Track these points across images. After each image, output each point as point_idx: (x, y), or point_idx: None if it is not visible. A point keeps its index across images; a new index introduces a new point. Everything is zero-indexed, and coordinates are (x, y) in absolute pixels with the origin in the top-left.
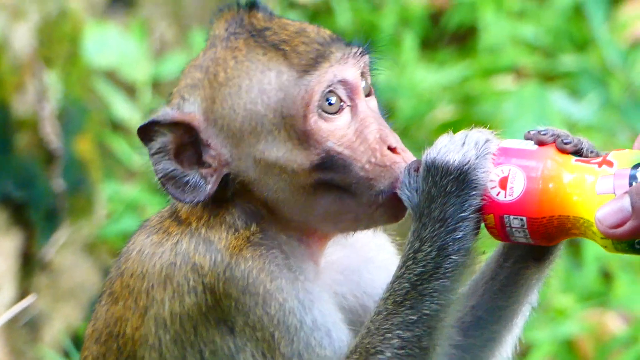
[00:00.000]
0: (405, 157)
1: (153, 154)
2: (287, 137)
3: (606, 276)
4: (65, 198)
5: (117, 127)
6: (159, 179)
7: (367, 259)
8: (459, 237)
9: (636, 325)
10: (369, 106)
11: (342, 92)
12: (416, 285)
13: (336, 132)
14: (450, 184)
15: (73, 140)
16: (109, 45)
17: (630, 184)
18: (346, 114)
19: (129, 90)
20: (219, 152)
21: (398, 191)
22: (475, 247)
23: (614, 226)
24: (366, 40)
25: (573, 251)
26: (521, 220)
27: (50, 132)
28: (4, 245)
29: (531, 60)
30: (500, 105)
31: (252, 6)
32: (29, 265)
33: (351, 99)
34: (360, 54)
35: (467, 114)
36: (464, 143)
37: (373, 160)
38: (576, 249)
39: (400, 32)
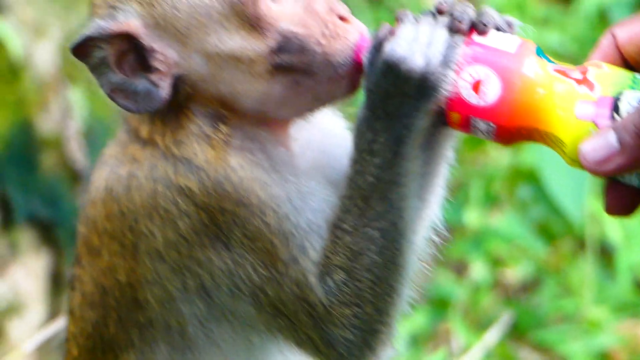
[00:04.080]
0: (355, 24)
1: (93, 70)
2: (238, 25)
3: None
4: None
5: None
6: (107, 94)
7: (328, 132)
8: (414, 130)
9: None
10: None
11: None
12: (379, 177)
13: (286, 11)
14: (410, 89)
15: (98, 157)
16: None
17: (612, 116)
18: None
19: None
20: (166, 54)
21: (363, 59)
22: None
23: (599, 162)
24: None
25: (605, 262)
26: (489, 125)
27: (76, 151)
28: (33, 265)
29: None
30: None
31: None
32: (59, 285)
33: None
34: None
35: None
36: (429, 43)
37: (327, 32)
38: (608, 260)
39: None
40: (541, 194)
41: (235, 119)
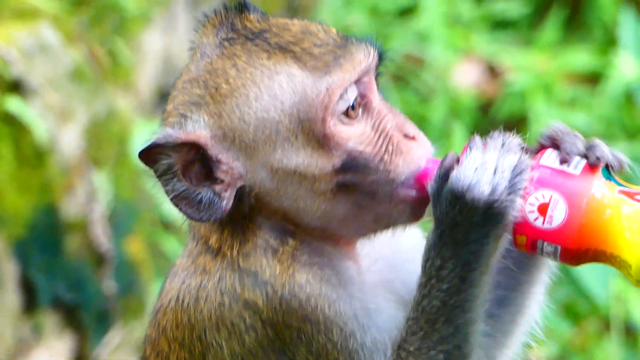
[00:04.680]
0: (423, 143)
1: (160, 176)
2: (305, 142)
3: None
4: (116, 300)
5: (167, 226)
6: (171, 200)
7: (399, 247)
8: (482, 256)
9: None
10: (381, 99)
11: (359, 91)
12: (446, 302)
13: (356, 131)
14: (477, 217)
15: (123, 241)
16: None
17: None
18: (362, 111)
19: None
20: (231, 165)
21: (427, 188)
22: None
23: None
24: (375, 35)
25: (631, 342)
26: (555, 247)
27: (101, 234)
28: (57, 347)
29: None
30: None
31: (242, 8)
32: None
33: (364, 95)
34: (375, 52)
35: None
36: (495, 170)
37: (391, 148)
38: (634, 339)
39: (450, 123)
40: (566, 275)
41: (301, 233)
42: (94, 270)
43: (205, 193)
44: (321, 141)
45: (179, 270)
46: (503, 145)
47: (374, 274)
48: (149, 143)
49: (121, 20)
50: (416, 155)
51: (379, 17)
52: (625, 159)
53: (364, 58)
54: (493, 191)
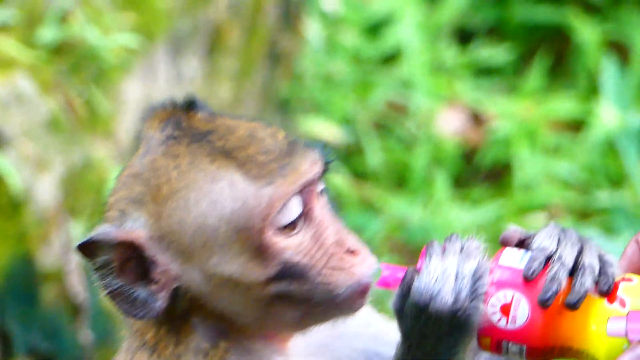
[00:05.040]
0: (364, 257)
1: (97, 270)
2: (241, 250)
3: None
4: (92, 350)
5: None
6: (107, 295)
7: (335, 334)
8: None
9: None
10: (323, 207)
11: (300, 200)
12: None
13: (293, 241)
14: (443, 327)
15: (100, 291)
16: None
17: None
18: (302, 220)
19: None
20: (168, 267)
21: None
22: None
23: None
24: (322, 143)
25: None
26: (520, 347)
27: (77, 284)
28: None
29: (566, 197)
30: None
31: (190, 106)
32: None
33: (307, 203)
34: (323, 161)
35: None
36: (456, 276)
37: (331, 264)
38: None
39: (433, 170)
40: None
41: (234, 332)
42: (70, 320)
43: (140, 291)
44: (257, 251)
45: None
46: (462, 249)
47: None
48: (86, 238)
49: (100, 69)
50: (356, 272)
51: (362, 65)
52: (612, 270)
53: (308, 169)
54: (456, 300)
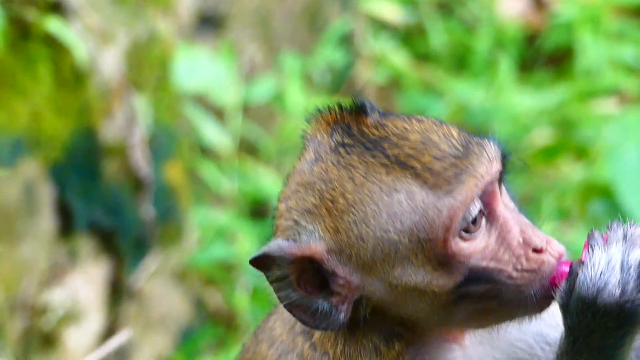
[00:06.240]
0: (552, 252)
1: (272, 282)
2: (425, 261)
3: None
4: (154, 225)
5: (206, 152)
6: (285, 307)
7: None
8: (620, 357)
9: None
10: (505, 205)
11: (482, 204)
12: None
13: (478, 247)
14: (611, 321)
15: (162, 166)
16: (198, 68)
17: None
18: (484, 222)
19: (219, 114)
20: (348, 280)
21: (557, 300)
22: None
23: None
24: (497, 134)
25: None
26: None
27: (140, 159)
28: (92, 273)
29: (632, 82)
30: (602, 130)
31: (359, 110)
32: (118, 293)
33: (488, 204)
34: (500, 161)
35: (566, 138)
36: (622, 267)
37: (519, 267)
38: None
39: (495, 53)
40: (615, 209)
41: (411, 334)
42: (132, 195)
43: (322, 303)
44: (442, 260)
45: (277, 338)
46: (625, 237)
47: (480, 356)
48: (260, 252)
49: None
50: (546, 270)
51: None
52: None
53: (486, 170)
54: (623, 292)
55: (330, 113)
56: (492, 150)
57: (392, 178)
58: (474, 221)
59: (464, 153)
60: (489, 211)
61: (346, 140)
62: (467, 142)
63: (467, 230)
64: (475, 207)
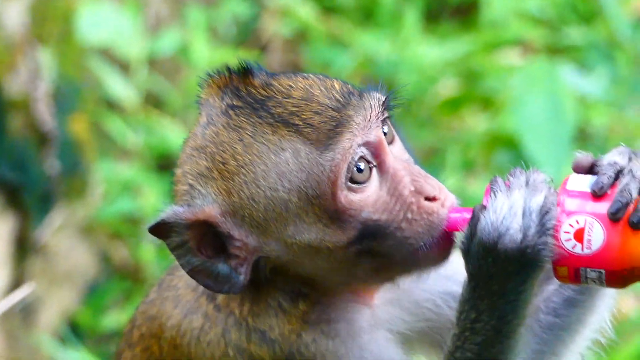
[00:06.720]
0: (444, 201)
1: (172, 249)
2: (316, 217)
3: None
4: (59, 180)
5: (111, 105)
6: (188, 273)
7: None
8: (520, 306)
9: None
10: (395, 155)
11: (367, 154)
12: (480, 354)
13: (369, 199)
14: (512, 266)
15: (67, 120)
16: (102, 22)
17: None
18: (375, 175)
19: (124, 67)
20: (245, 241)
21: (458, 245)
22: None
23: None
24: (378, 81)
25: None
26: (599, 272)
27: (44, 113)
28: None
29: (536, 33)
30: (507, 80)
31: (247, 71)
32: (24, 249)
33: (377, 155)
34: (380, 108)
35: (471, 89)
36: (523, 212)
37: (410, 215)
38: None
39: (401, 5)
40: (520, 160)
41: (316, 293)
42: (37, 149)
43: (222, 267)
44: (333, 216)
45: (181, 298)
46: (527, 183)
47: (388, 316)
48: (157, 220)
49: None
50: (437, 219)
51: None
52: None
53: (364, 121)
54: (524, 237)
55: (220, 77)
56: (372, 101)
57: (278, 137)
58: (360, 172)
59: (342, 105)
60: (378, 163)
61: (235, 103)
62: (347, 95)
63: (355, 182)
64: (361, 156)
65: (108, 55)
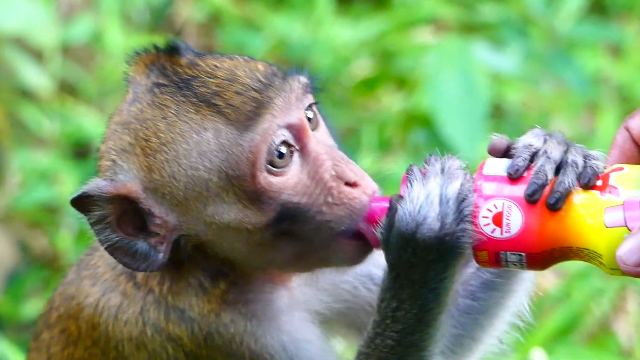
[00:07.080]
0: (365, 188)
1: (93, 224)
2: (236, 198)
3: None
4: None
5: (26, 94)
6: (106, 249)
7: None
8: (441, 294)
9: None
10: (318, 140)
11: (289, 137)
12: (400, 341)
13: (289, 182)
14: (431, 255)
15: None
16: (15, 10)
17: None
18: (296, 158)
19: (38, 55)
20: (165, 219)
21: (376, 234)
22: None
23: (639, 264)
24: (303, 66)
25: None
26: (519, 255)
27: None
28: None
29: (450, 11)
30: (421, 59)
31: (174, 50)
32: None
33: (299, 139)
34: (302, 90)
35: (386, 69)
36: (440, 200)
37: (330, 200)
38: None
39: None
40: (435, 138)
41: (235, 273)
42: None
43: (141, 244)
44: (252, 197)
45: (100, 276)
46: (443, 170)
47: (306, 297)
48: (78, 193)
49: None
50: (358, 205)
51: None
52: (596, 162)
53: (284, 103)
54: (442, 225)
55: (147, 54)
56: (295, 83)
57: (201, 116)
58: (281, 155)
59: (265, 86)
60: (300, 146)
61: (161, 80)
62: (271, 76)
63: (275, 165)
64: (280, 140)
65: (21, 44)
